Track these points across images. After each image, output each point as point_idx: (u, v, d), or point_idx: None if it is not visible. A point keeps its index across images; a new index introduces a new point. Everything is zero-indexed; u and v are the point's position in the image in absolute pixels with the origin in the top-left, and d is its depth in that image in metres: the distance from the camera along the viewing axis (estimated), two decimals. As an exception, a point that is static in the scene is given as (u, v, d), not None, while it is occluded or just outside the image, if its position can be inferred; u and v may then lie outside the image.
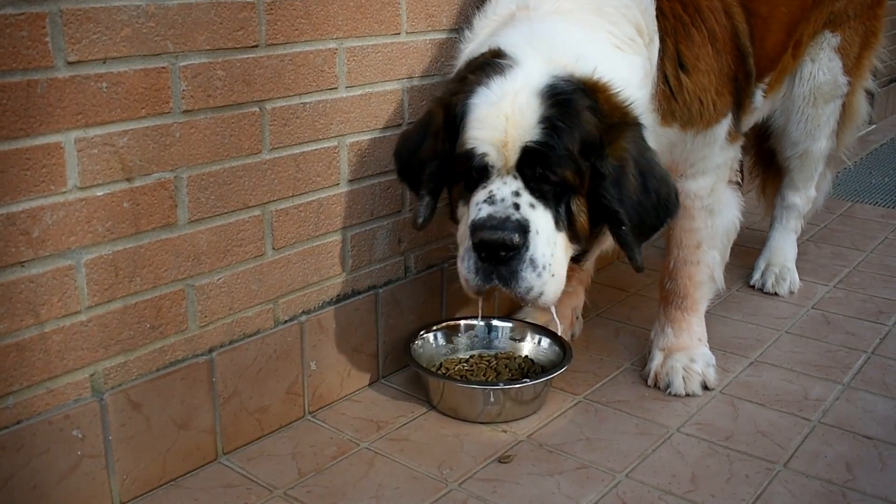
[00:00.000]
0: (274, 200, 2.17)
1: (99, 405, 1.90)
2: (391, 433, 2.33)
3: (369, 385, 2.57)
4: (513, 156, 1.90)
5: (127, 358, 1.95)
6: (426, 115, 2.14)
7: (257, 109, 2.07)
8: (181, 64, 1.90)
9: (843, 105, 3.16)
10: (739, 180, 2.70)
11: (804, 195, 3.34)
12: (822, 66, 3.01)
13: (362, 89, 2.31)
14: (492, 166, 1.94)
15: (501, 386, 2.32)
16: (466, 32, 2.23)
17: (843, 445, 2.29)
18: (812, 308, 3.16)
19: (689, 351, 2.58)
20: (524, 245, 1.91)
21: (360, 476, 2.14)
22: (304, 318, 2.32)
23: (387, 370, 2.61)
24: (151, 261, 1.95)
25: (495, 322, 2.69)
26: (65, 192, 1.77)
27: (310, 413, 2.40)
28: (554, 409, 2.45)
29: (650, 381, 2.59)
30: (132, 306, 1.94)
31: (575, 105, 1.88)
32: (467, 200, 2.02)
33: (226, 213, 2.07)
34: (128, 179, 1.86)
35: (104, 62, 1.77)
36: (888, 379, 2.63)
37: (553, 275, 1.96)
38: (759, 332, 2.96)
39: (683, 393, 2.52)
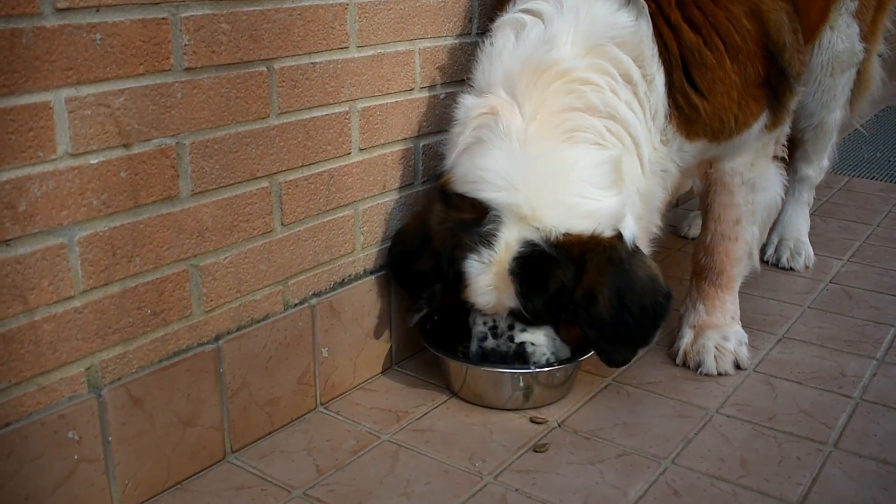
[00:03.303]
0: (283, 171, 1.97)
1: (97, 402, 1.69)
2: (413, 424, 2.14)
3: (382, 372, 2.37)
4: (503, 311, 2.11)
5: (126, 348, 1.74)
6: (422, 227, 2.15)
7: (265, 69, 1.87)
8: (183, 15, 1.68)
9: (858, 73, 3.04)
10: (785, 156, 2.54)
11: (817, 167, 3.22)
12: (841, 33, 2.87)
13: (374, 49, 2.12)
14: (489, 313, 2.14)
15: (533, 369, 2.14)
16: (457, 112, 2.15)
17: (890, 423, 2.16)
18: (831, 282, 3.04)
19: (722, 329, 2.43)
20: (526, 361, 2.15)
21: (386, 472, 1.95)
22: (314, 300, 2.12)
23: (400, 356, 2.42)
24: (152, 238, 1.73)
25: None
26: (55, 160, 1.54)
27: (322, 404, 2.20)
28: (583, 393, 2.29)
29: (679, 360, 2.44)
30: (131, 290, 1.72)
31: (542, 271, 1.99)
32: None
33: (232, 184, 1.86)
34: (125, 146, 1.65)
35: (97, 10, 1.55)
36: (923, 352, 2.52)
37: (556, 353, 2.18)
38: (782, 308, 2.83)
39: (715, 372, 2.38)
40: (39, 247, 1.55)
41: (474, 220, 2.01)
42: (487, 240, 1.99)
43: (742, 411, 2.21)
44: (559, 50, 2.00)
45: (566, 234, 1.96)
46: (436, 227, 2.10)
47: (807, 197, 3.27)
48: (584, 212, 1.96)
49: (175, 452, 1.86)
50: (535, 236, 1.97)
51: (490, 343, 2.16)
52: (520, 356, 2.15)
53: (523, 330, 2.13)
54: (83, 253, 1.62)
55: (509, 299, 2.04)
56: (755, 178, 2.36)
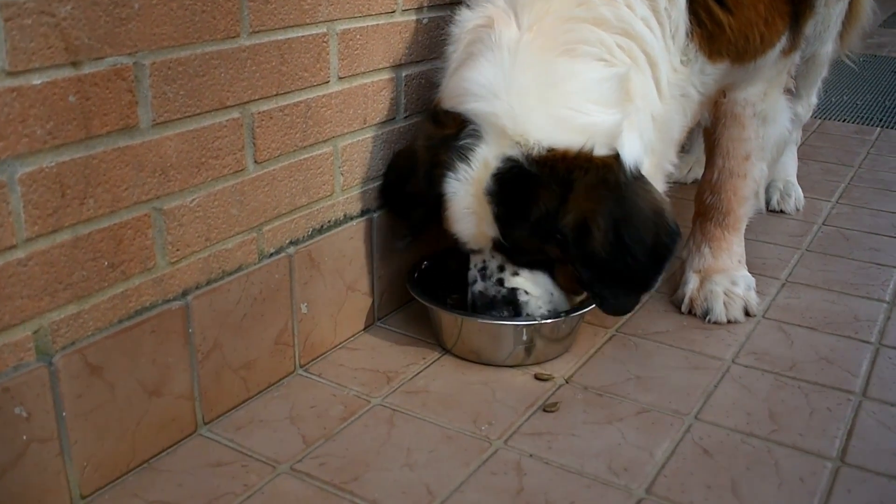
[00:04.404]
0: (255, 100, 1.70)
1: (47, 371, 1.42)
2: (405, 385, 1.92)
3: (364, 329, 2.14)
4: (487, 243, 1.90)
5: (81, 307, 1.47)
6: (412, 148, 1.98)
7: (234, -23, 1.60)
8: None
9: (851, 3, 2.88)
10: (793, 87, 2.38)
11: (806, 103, 3.06)
12: None
13: (353, -39, 1.86)
14: (476, 248, 1.94)
15: (538, 321, 1.93)
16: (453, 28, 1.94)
17: (914, 368, 2.03)
18: (824, 224, 2.90)
19: (730, 273, 2.26)
20: (518, 310, 1.95)
21: (382, 440, 1.73)
22: (291, 249, 1.87)
23: (383, 311, 2.19)
24: (108, 176, 1.46)
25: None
26: (-13, 79, 1.27)
27: (301, 366, 1.96)
28: (587, 346, 2.10)
29: (684, 308, 2.26)
30: (85, 237, 1.45)
31: (522, 191, 1.78)
32: None
33: (198, 114, 1.59)
34: (73, 64, 1.37)
35: None
36: (932, 294, 2.40)
37: (553, 305, 1.97)
38: (780, 252, 2.67)
39: (725, 320, 2.21)
40: (-28, 186, 1.28)
41: (454, 135, 1.81)
42: (464, 155, 1.79)
43: (760, 360, 2.04)
44: None
45: (550, 150, 1.74)
46: (420, 146, 1.90)
47: (795, 136, 3.12)
48: (573, 126, 1.74)
49: (140, 427, 1.61)
50: (515, 152, 1.75)
51: (478, 286, 1.96)
52: (510, 303, 1.94)
53: (515, 274, 1.92)
54: (26, 193, 1.34)
55: (490, 227, 1.83)
56: (767, 109, 2.20)
